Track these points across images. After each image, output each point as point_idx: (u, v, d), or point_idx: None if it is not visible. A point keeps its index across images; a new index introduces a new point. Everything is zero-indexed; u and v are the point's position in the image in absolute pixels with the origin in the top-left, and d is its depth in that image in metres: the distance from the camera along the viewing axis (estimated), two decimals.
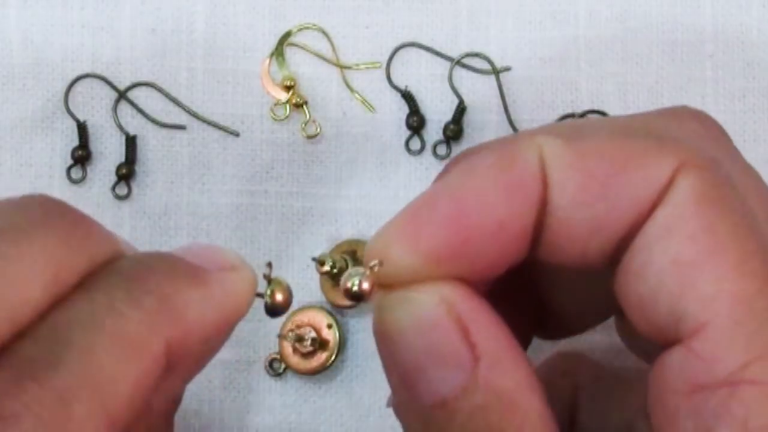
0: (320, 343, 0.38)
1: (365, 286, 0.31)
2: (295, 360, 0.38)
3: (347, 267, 0.37)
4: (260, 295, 0.31)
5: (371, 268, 0.29)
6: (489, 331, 0.28)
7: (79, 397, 0.24)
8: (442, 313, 0.28)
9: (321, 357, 0.38)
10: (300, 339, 0.37)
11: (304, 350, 0.38)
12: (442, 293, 0.28)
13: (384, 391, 0.36)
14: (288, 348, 0.38)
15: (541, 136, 0.26)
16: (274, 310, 0.31)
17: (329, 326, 0.38)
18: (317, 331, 0.38)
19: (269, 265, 0.34)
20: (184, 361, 0.27)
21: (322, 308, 0.38)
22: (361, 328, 0.40)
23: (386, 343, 0.29)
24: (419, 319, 0.29)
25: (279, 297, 0.32)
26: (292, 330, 0.38)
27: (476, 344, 0.28)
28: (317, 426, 0.38)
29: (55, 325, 0.25)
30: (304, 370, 0.38)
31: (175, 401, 0.29)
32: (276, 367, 0.38)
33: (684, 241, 0.24)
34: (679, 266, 0.25)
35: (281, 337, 0.37)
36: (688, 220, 0.25)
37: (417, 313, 0.29)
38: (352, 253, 0.37)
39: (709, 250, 0.25)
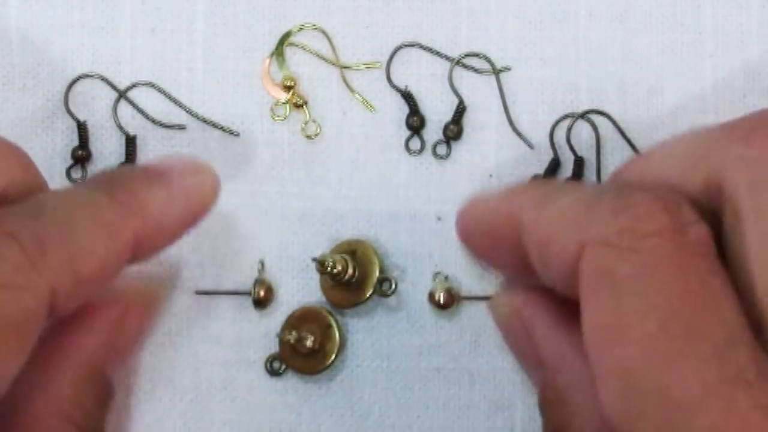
0: (320, 344, 0.38)
1: (446, 297, 0.38)
2: (295, 360, 0.38)
3: (347, 267, 0.37)
4: (248, 293, 0.37)
5: (446, 280, 0.37)
6: (550, 337, 0.32)
7: (53, 245, 0.28)
8: (516, 323, 0.33)
9: (321, 357, 0.38)
10: (300, 339, 0.37)
11: (304, 350, 0.37)
12: (513, 303, 0.33)
13: (381, 393, 0.38)
14: (288, 348, 0.37)
15: (522, 201, 0.30)
16: (258, 303, 0.38)
17: (329, 327, 0.38)
18: (317, 331, 0.38)
19: (261, 263, 0.38)
20: (146, 254, 0.31)
21: (322, 308, 0.38)
22: (361, 328, 0.39)
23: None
24: (503, 326, 0.34)
25: (261, 293, 0.38)
26: (292, 330, 0.37)
27: (540, 349, 0.32)
28: (317, 426, 0.38)
29: (40, 198, 0.30)
30: (304, 370, 0.38)
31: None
32: (276, 367, 0.38)
33: (585, 317, 0.27)
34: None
35: (281, 337, 0.37)
36: (584, 299, 0.27)
37: (501, 321, 0.34)
38: (351, 253, 0.37)
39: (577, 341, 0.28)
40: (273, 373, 0.38)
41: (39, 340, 0.30)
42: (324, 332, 0.38)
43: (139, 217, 0.31)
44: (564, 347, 0.32)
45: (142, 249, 0.31)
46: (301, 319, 0.38)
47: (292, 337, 0.37)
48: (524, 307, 0.33)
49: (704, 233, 0.26)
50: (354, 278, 0.38)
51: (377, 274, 0.39)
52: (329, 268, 0.37)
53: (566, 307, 0.32)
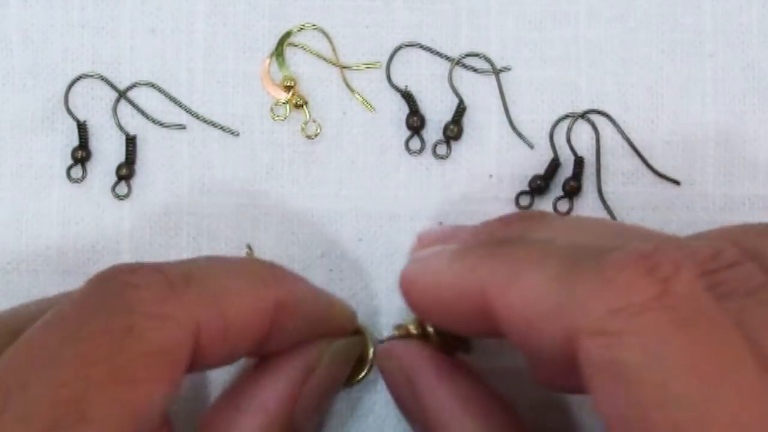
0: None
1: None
2: None
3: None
4: None
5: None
6: (436, 393, 0.32)
7: (198, 281, 0.29)
8: (401, 377, 0.33)
9: (352, 377, 0.37)
10: None
11: None
12: (397, 354, 0.33)
13: (381, 394, 0.38)
14: None
15: (483, 276, 0.28)
16: None
17: (363, 360, 0.37)
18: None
19: (248, 248, 0.38)
20: (279, 334, 0.31)
21: (364, 332, 0.38)
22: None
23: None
24: (389, 379, 0.34)
25: None
26: None
27: (424, 399, 0.32)
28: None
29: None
30: None
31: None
32: None
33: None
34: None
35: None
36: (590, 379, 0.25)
37: (386, 372, 0.34)
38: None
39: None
40: None
41: (230, 384, 0.32)
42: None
43: (283, 289, 0.31)
44: (451, 401, 0.31)
45: (277, 326, 0.31)
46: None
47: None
48: (406, 355, 0.33)
49: (685, 283, 0.24)
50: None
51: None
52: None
53: (448, 361, 0.33)
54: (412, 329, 0.35)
